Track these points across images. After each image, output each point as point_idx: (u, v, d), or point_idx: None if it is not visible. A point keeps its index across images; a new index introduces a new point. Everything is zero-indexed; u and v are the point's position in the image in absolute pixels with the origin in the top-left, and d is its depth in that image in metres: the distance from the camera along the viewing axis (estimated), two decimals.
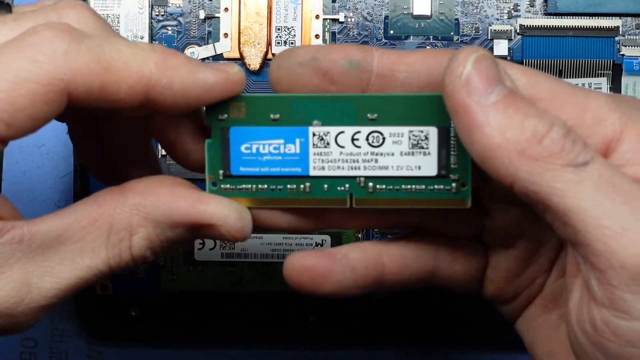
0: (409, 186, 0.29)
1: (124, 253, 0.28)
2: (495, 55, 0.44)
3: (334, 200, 0.30)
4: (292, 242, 0.44)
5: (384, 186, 0.29)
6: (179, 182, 0.29)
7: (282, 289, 0.44)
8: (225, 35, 0.45)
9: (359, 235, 0.44)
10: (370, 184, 0.29)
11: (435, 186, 0.29)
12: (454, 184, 0.29)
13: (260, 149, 0.30)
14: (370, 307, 0.45)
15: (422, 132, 0.29)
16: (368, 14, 0.45)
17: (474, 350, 0.46)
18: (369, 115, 0.29)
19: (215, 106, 0.29)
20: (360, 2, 0.45)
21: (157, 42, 0.44)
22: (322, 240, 0.44)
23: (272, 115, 0.29)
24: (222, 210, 0.28)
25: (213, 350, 0.46)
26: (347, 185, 0.30)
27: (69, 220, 0.27)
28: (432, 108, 0.29)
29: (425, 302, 0.45)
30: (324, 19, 0.45)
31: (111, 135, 0.33)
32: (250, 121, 0.29)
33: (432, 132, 0.29)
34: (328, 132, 0.29)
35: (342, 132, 0.29)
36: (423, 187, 0.29)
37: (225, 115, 0.29)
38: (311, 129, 0.29)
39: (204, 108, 0.30)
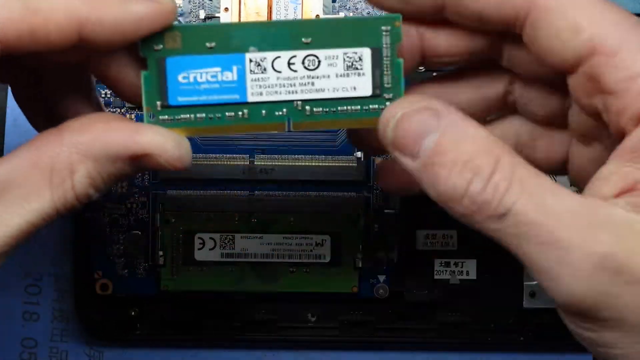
0: (345, 107, 0.30)
1: (68, 193, 0.28)
2: None
3: (272, 125, 0.30)
4: (292, 242, 0.44)
5: (320, 109, 0.30)
6: (115, 117, 0.29)
7: (282, 289, 0.44)
8: None
9: (359, 236, 0.44)
10: (308, 107, 0.30)
11: (370, 106, 0.30)
12: (387, 103, 0.30)
13: (198, 77, 0.30)
14: (371, 307, 0.45)
15: (355, 53, 0.30)
16: (368, 13, 0.45)
17: (472, 351, 0.46)
18: (303, 39, 0.29)
19: (150, 37, 0.29)
20: (361, 2, 0.45)
21: None
22: (322, 240, 0.44)
23: (208, 44, 0.29)
24: (159, 140, 0.28)
25: (213, 350, 0.46)
26: (284, 110, 0.30)
27: (9, 167, 0.28)
28: (365, 30, 0.30)
29: (425, 303, 0.45)
30: None
31: (51, 82, 0.32)
32: (187, 51, 0.29)
33: (366, 53, 0.30)
34: (264, 58, 0.29)
35: (279, 57, 0.29)
36: (359, 107, 0.30)
37: (161, 46, 0.29)
38: (247, 55, 0.29)
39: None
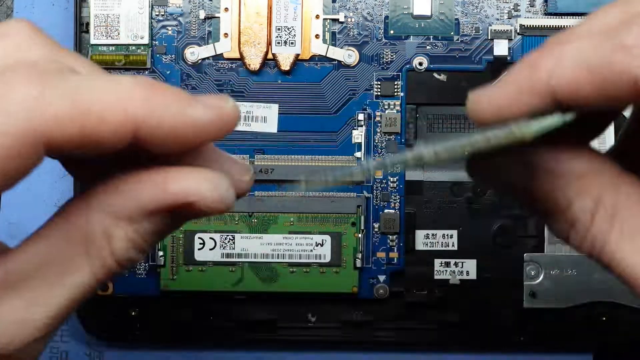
0: None
1: (108, 261, 0.25)
2: (495, 56, 0.44)
3: None
4: (292, 242, 0.44)
5: None
6: (146, 168, 0.25)
7: (282, 289, 0.44)
8: (226, 35, 0.45)
9: (359, 236, 0.44)
10: None
11: None
12: None
13: None
14: (371, 307, 0.45)
15: None
16: (368, 13, 0.45)
17: (472, 351, 0.46)
18: None
19: None
20: (361, 2, 0.45)
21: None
22: (322, 240, 0.44)
23: None
24: (192, 185, 0.25)
25: (213, 350, 0.46)
26: None
27: (42, 246, 0.25)
28: None
29: (425, 303, 0.45)
30: (324, 19, 0.45)
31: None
32: None
33: None
34: None
35: None
36: None
37: None
38: None
39: None
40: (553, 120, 0.23)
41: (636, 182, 0.24)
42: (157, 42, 0.45)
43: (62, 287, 0.25)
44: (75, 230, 0.25)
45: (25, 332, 0.26)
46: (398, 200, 0.45)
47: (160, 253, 0.44)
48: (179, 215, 0.25)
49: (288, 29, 0.44)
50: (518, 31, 0.45)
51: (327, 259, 0.44)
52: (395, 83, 0.45)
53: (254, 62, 0.44)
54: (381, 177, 0.45)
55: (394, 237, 0.45)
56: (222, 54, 0.45)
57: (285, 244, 0.44)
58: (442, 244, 0.45)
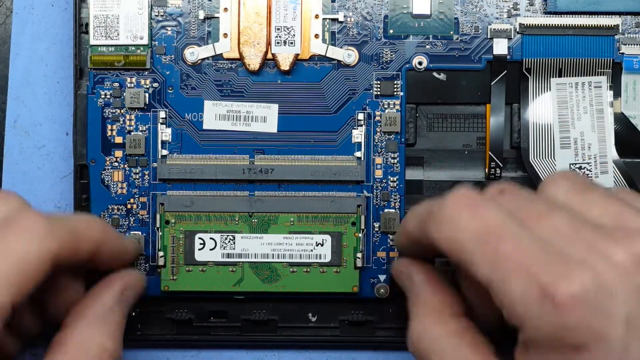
0: None
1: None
2: (494, 55, 0.44)
3: None
4: (292, 241, 0.44)
5: None
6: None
7: (282, 289, 0.44)
8: (225, 35, 0.45)
9: (359, 235, 0.44)
10: None
11: None
12: None
13: None
14: (371, 307, 0.45)
15: None
16: (368, 13, 0.45)
17: None
18: None
19: None
20: (360, 1, 0.45)
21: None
22: (323, 240, 0.44)
23: None
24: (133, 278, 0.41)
25: (213, 350, 0.46)
26: None
27: None
28: None
29: None
30: (323, 19, 0.45)
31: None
32: None
33: None
34: None
35: None
36: None
37: None
38: None
39: None
40: None
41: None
42: (156, 43, 0.45)
43: None
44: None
45: None
46: (398, 200, 0.45)
47: (161, 253, 0.44)
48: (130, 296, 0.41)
49: (287, 28, 0.44)
50: (518, 30, 0.45)
51: (327, 259, 0.44)
52: (395, 82, 0.45)
53: (254, 62, 0.44)
54: (381, 176, 0.45)
55: (394, 236, 0.45)
56: (221, 54, 0.45)
57: (286, 244, 0.44)
58: None
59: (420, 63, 0.45)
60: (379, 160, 0.45)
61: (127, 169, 0.45)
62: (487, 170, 0.45)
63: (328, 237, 0.44)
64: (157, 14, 0.45)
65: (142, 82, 0.45)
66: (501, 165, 0.45)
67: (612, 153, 0.44)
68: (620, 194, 0.33)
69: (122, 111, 0.45)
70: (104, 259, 0.38)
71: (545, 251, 0.30)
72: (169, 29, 0.45)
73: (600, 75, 0.44)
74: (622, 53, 0.45)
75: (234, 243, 0.44)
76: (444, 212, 0.32)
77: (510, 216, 0.31)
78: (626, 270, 0.29)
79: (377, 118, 0.45)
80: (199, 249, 0.44)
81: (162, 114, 0.45)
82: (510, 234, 0.30)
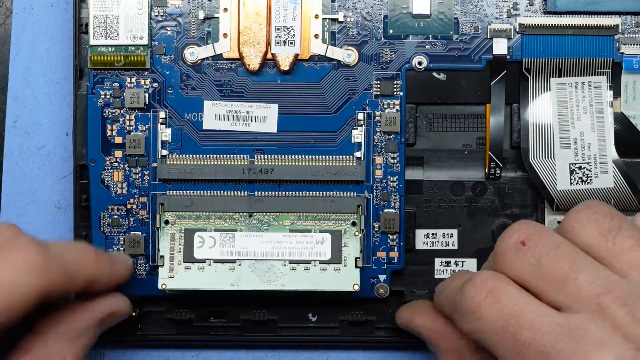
0: None
1: None
2: (494, 55, 0.45)
3: None
4: (292, 240, 0.44)
5: None
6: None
7: (282, 289, 0.44)
8: (225, 35, 0.45)
9: (359, 235, 0.44)
10: None
11: None
12: None
13: None
14: (371, 307, 0.45)
15: None
16: (367, 13, 0.45)
17: None
18: None
19: None
20: (360, 1, 0.45)
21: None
22: (323, 238, 0.44)
23: None
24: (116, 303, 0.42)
25: (213, 350, 0.46)
26: None
27: None
28: None
29: None
30: (323, 19, 0.45)
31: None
32: None
33: None
34: None
35: None
36: None
37: None
38: None
39: None
40: None
41: None
42: (156, 43, 0.45)
43: None
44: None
45: None
46: (398, 200, 0.45)
47: (161, 254, 0.44)
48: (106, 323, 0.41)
49: (287, 28, 0.44)
50: (517, 30, 0.45)
51: (328, 259, 0.44)
52: (395, 82, 0.45)
53: (254, 62, 0.44)
54: (381, 176, 0.45)
55: (394, 236, 0.45)
56: (221, 54, 0.45)
57: (286, 242, 0.44)
58: (442, 244, 0.45)
59: (420, 63, 0.45)
60: (378, 160, 0.45)
61: (127, 169, 0.45)
62: (486, 170, 0.45)
63: (328, 237, 0.44)
64: (157, 14, 0.45)
65: (142, 82, 0.45)
66: (501, 165, 0.45)
67: (612, 153, 0.44)
68: None
69: (122, 111, 0.45)
70: (95, 289, 0.40)
71: (565, 335, 0.31)
72: (169, 29, 0.45)
73: (600, 75, 0.44)
74: (622, 53, 0.45)
75: (234, 241, 0.44)
76: (464, 304, 0.34)
77: (529, 299, 0.32)
78: None
79: (377, 118, 0.45)
80: (198, 247, 0.44)
81: (162, 114, 0.45)
82: (529, 321, 0.32)
